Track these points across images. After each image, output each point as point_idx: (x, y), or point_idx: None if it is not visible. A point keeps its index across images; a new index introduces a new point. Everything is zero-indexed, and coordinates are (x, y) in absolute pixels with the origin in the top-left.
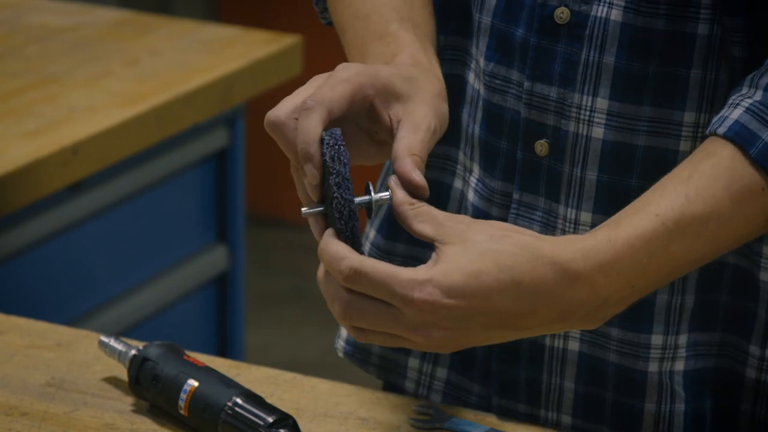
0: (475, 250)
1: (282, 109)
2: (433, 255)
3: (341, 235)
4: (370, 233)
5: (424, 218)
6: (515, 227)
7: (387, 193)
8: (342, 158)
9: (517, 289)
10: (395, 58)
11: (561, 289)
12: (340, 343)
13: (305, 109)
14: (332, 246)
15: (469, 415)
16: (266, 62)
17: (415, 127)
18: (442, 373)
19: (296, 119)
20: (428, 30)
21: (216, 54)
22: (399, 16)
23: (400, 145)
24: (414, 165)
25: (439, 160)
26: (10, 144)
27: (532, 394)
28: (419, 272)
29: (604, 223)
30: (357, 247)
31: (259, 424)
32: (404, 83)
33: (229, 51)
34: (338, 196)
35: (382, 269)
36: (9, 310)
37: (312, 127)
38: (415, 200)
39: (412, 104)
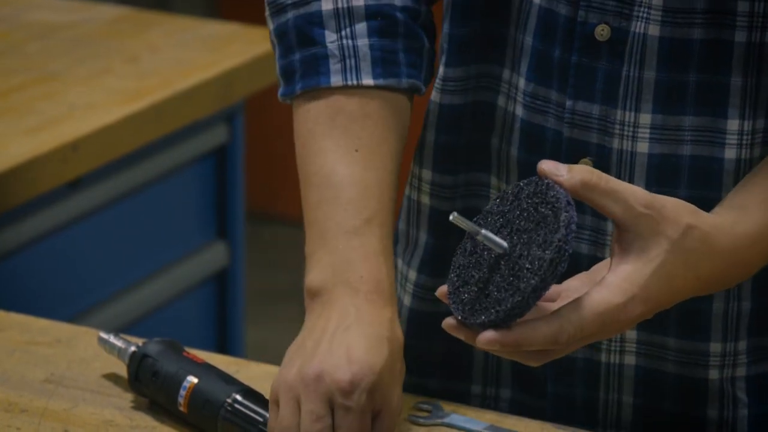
0: (657, 269)
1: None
2: (616, 258)
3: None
4: (410, 274)
5: (614, 197)
6: (699, 219)
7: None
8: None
9: (697, 283)
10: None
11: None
12: None
13: None
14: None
15: (469, 412)
16: (266, 59)
17: None
18: (505, 393)
19: None
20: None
21: (215, 51)
22: (365, 215)
23: None
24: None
25: (472, 187)
26: (10, 141)
27: (589, 413)
28: (619, 295)
29: (752, 195)
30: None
31: (258, 421)
32: None
33: (229, 48)
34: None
35: (588, 309)
36: (8, 306)
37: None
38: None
39: None
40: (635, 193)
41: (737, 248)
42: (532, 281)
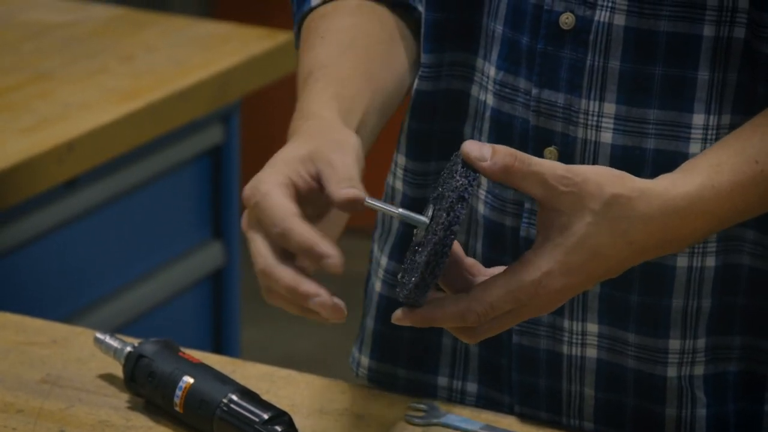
0: (579, 243)
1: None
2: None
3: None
4: (382, 260)
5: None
6: (625, 182)
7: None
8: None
9: (630, 248)
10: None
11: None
12: (362, 371)
13: (263, 194)
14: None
15: (465, 412)
16: (261, 59)
17: (343, 151)
18: (472, 387)
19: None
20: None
21: (211, 50)
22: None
23: (339, 169)
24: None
25: None
26: (5, 140)
27: (553, 402)
28: (532, 271)
29: (705, 159)
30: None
31: (254, 421)
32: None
33: (224, 47)
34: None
35: (498, 287)
36: (4, 306)
37: (283, 203)
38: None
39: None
40: (555, 171)
41: (671, 210)
42: (413, 278)
